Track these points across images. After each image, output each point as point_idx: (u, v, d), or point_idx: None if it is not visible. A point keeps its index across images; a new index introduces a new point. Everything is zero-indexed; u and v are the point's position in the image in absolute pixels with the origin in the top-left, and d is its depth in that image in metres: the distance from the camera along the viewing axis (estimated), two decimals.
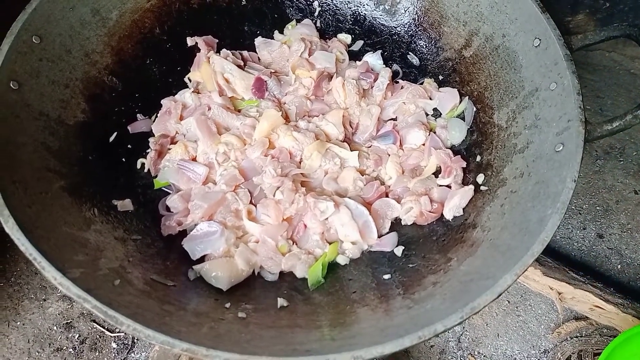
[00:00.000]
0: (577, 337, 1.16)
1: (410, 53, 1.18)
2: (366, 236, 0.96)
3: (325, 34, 1.23)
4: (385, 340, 0.65)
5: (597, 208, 1.35)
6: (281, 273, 0.93)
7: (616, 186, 1.38)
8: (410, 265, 0.90)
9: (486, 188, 0.95)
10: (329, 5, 1.22)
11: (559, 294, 1.17)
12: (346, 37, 1.22)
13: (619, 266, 1.27)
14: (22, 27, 0.88)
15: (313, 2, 1.21)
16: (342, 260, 0.95)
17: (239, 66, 1.12)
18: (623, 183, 1.38)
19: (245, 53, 1.18)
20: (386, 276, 0.90)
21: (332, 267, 0.94)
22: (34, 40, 0.91)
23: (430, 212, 0.98)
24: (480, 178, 0.98)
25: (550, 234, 0.73)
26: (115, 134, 1.03)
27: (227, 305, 0.82)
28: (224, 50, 1.15)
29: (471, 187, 0.97)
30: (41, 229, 0.75)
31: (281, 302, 0.85)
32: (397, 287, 0.85)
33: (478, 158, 1.01)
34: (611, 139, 1.41)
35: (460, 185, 1.00)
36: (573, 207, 1.34)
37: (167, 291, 0.80)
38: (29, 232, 0.72)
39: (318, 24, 1.23)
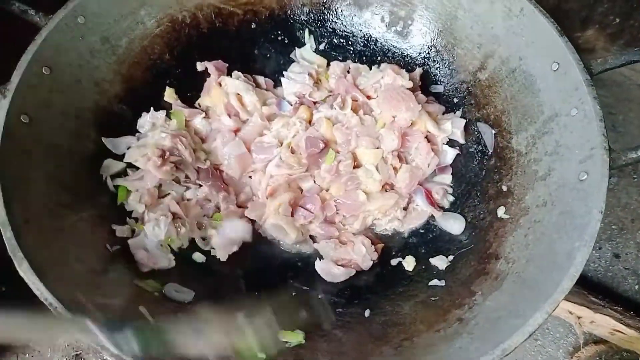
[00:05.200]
0: None
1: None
2: None
3: (334, 56, 1.20)
4: None
5: (613, 227, 1.33)
6: None
7: (631, 204, 1.36)
8: (433, 299, 0.88)
9: (508, 216, 0.93)
10: (339, 27, 1.20)
11: (578, 318, 1.14)
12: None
13: (637, 286, 1.25)
14: (32, 58, 0.87)
15: (325, 24, 1.19)
16: None
17: None
18: (638, 201, 1.36)
19: (260, 79, 1.16)
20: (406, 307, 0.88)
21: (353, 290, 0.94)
22: (44, 72, 0.89)
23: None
24: (501, 210, 0.95)
25: (580, 269, 0.72)
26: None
27: None
28: (235, 72, 1.13)
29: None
30: (56, 270, 0.73)
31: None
32: (420, 322, 0.83)
33: (498, 184, 0.99)
34: None
35: None
36: None
37: None
38: (44, 275, 0.69)
39: (327, 47, 1.21)
